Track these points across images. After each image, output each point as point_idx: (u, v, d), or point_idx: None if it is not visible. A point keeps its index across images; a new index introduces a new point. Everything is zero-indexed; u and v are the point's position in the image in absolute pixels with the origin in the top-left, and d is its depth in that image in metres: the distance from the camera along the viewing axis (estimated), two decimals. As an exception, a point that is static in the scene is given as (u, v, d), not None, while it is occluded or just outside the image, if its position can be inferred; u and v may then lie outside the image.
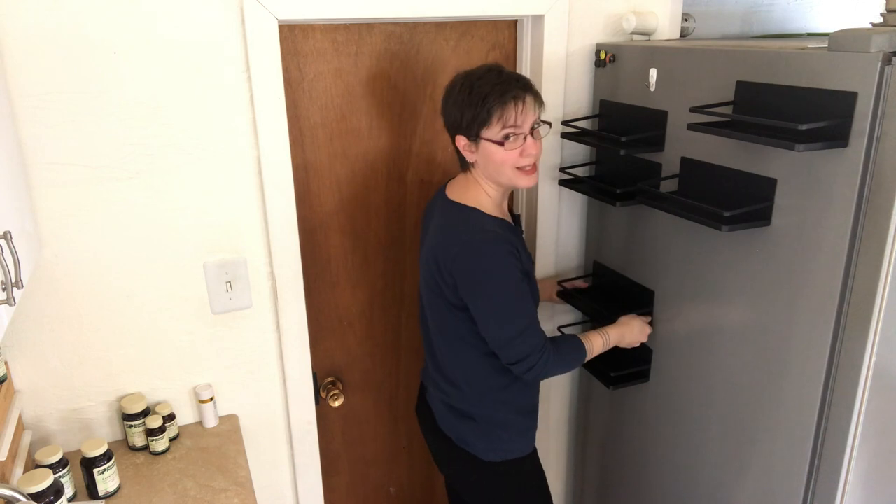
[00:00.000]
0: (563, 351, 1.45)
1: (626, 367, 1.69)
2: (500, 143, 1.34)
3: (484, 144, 1.35)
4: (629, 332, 1.57)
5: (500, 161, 1.35)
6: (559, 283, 1.84)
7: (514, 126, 1.33)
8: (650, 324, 1.61)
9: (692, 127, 1.28)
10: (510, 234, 1.40)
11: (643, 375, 1.67)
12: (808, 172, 1.17)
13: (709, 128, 1.26)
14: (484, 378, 1.48)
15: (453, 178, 1.52)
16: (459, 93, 1.34)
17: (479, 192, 1.43)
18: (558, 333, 1.74)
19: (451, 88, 1.37)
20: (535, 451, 1.58)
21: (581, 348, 1.47)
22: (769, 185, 1.25)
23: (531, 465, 1.57)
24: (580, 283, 1.86)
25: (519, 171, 1.37)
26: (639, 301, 1.65)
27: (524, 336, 1.36)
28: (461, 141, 1.38)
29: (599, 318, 1.70)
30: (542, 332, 1.40)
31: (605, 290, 1.81)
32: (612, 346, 1.55)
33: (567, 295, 1.81)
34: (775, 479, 1.35)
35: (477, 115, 1.32)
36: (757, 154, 1.26)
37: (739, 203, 1.28)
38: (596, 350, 1.51)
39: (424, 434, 1.69)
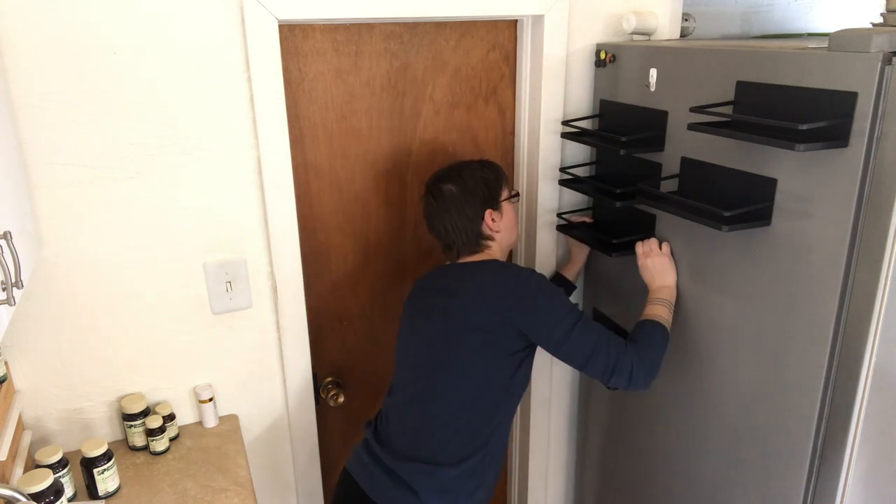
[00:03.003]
0: (648, 339, 1.41)
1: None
2: (515, 197, 1.57)
3: (504, 207, 1.54)
4: (659, 273, 1.51)
5: (514, 216, 1.57)
6: (559, 215, 1.85)
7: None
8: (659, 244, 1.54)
9: (692, 127, 1.28)
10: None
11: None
12: (808, 172, 1.17)
13: (709, 128, 1.25)
14: (472, 439, 1.44)
15: (437, 267, 1.57)
16: (472, 172, 1.51)
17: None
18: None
19: (462, 176, 1.50)
20: None
21: (657, 325, 1.43)
22: (769, 185, 1.25)
23: None
24: (582, 218, 1.82)
25: (516, 226, 1.59)
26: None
27: (603, 345, 1.37)
28: (488, 216, 1.50)
29: (602, 246, 1.65)
30: (618, 336, 1.41)
31: (606, 222, 1.77)
32: (671, 289, 1.51)
33: (568, 228, 1.80)
34: (775, 480, 1.35)
35: (496, 179, 1.53)
36: (757, 154, 1.26)
37: (739, 203, 1.28)
38: (669, 316, 1.48)
39: None
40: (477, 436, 1.44)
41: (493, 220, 1.51)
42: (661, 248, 1.52)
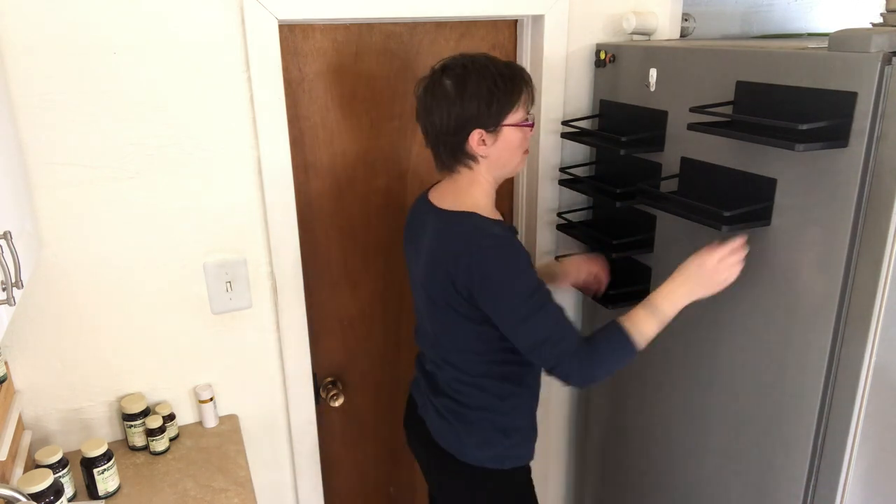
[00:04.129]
0: (603, 349, 1.27)
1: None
2: (527, 125, 1.32)
3: (505, 132, 1.30)
4: (706, 277, 1.28)
5: (518, 146, 1.33)
6: (559, 214, 1.81)
7: (531, 106, 1.35)
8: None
9: (692, 127, 1.28)
10: (514, 236, 1.34)
11: (640, 296, 1.45)
12: (808, 172, 1.17)
13: (709, 128, 1.26)
14: (494, 387, 1.42)
15: (433, 185, 1.46)
16: (480, 82, 1.26)
17: (478, 195, 1.35)
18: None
19: (459, 81, 1.27)
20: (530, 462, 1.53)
21: (624, 338, 1.27)
22: (769, 185, 1.25)
23: (528, 475, 1.53)
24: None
25: (524, 155, 1.37)
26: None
27: (552, 341, 1.25)
28: (476, 136, 1.28)
29: (602, 246, 1.58)
30: (575, 334, 1.27)
31: (606, 221, 1.70)
32: (685, 304, 1.30)
33: (568, 227, 1.76)
34: (775, 479, 1.35)
35: (507, 96, 1.27)
36: (757, 154, 1.26)
37: (739, 203, 1.28)
38: (652, 327, 1.29)
39: (414, 448, 1.63)
40: (497, 385, 1.42)
41: (482, 141, 1.29)
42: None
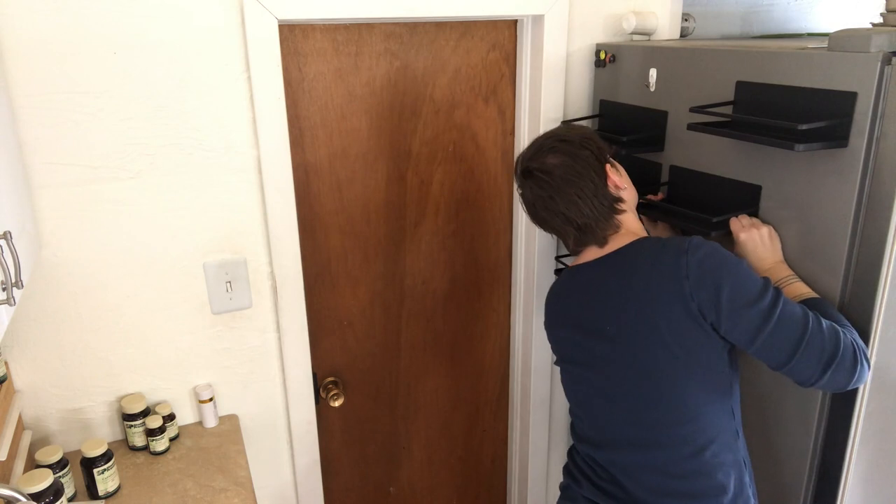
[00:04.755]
0: (837, 316, 1.13)
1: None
2: (618, 146, 1.32)
3: (618, 166, 1.30)
4: (770, 246, 1.25)
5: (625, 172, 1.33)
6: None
7: None
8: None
9: (692, 127, 1.28)
10: None
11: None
12: (807, 172, 1.17)
13: (708, 128, 1.26)
14: (732, 455, 1.21)
15: (572, 267, 1.32)
16: (567, 137, 1.27)
17: (636, 227, 1.29)
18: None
19: (563, 144, 1.25)
20: None
21: (826, 302, 1.16)
22: (755, 190, 1.25)
23: None
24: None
25: None
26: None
27: (815, 324, 1.08)
28: (610, 171, 1.25)
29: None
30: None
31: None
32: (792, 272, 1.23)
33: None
34: (775, 479, 1.35)
35: (591, 134, 1.29)
36: (756, 154, 1.26)
37: (729, 207, 1.29)
38: (810, 290, 1.19)
39: None
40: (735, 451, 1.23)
41: (616, 174, 1.27)
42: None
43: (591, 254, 1.29)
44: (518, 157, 1.31)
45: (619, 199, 1.26)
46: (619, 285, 1.20)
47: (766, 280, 1.12)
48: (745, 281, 1.10)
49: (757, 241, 1.24)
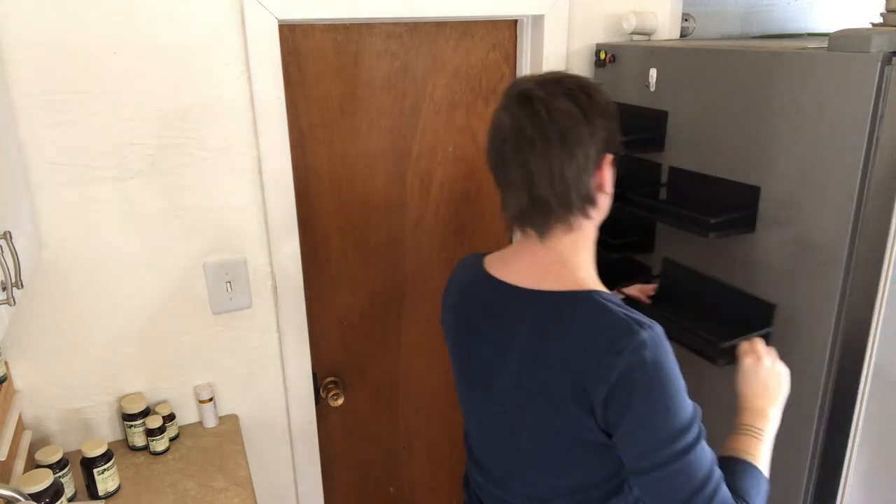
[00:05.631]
0: (753, 491, 0.95)
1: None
2: (622, 145, 1.02)
3: (612, 169, 1.00)
4: (774, 386, 1.10)
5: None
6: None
7: None
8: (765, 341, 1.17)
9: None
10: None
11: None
12: (807, 172, 1.17)
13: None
14: None
15: (483, 256, 1.11)
16: (598, 91, 0.98)
17: (588, 264, 1.01)
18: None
19: (589, 93, 0.96)
20: None
21: (763, 477, 0.98)
22: (755, 191, 1.25)
23: None
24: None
25: None
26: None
27: (709, 490, 0.89)
28: (608, 163, 0.97)
29: (603, 247, 1.34)
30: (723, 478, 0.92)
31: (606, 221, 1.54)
32: (771, 425, 1.07)
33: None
34: (775, 480, 1.35)
35: (616, 111, 1.00)
36: (755, 155, 1.26)
37: (727, 209, 1.29)
38: (769, 453, 1.03)
39: None
40: None
41: (609, 175, 0.98)
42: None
43: (515, 269, 1.03)
44: (520, 78, 1.00)
45: (592, 201, 0.98)
46: (532, 339, 0.97)
47: (693, 419, 0.91)
48: (667, 416, 0.89)
49: (759, 375, 1.08)
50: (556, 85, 0.94)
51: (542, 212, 0.97)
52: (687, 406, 0.91)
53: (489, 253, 1.12)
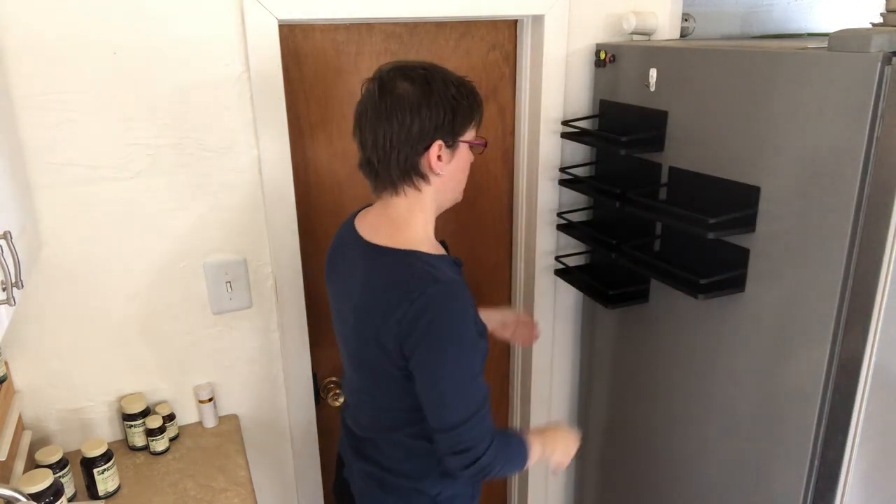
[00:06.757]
0: (511, 447, 1.20)
1: (623, 286, 1.65)
2: (481, 144, 1.19)
3: (461, 150, 1.16)
4: (562, 444, 1.32)
5: (467, 167, 1.20)
6: (559, 214, 1.80)
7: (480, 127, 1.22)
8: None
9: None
10: (460, 276, 1.17)
11: (641, 296, 1.58)
12: (807, 172, 1.17)
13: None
14: (424, 449, 1.23)
15: (359, 211, 1.29)
16: (445, 88, 1.11)
17: (418, 226, 1.18)
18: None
19: (423, 86, 1.11)
20: None
21: (525, 451, 1.22)
22: (754, 192, 1.25)
23: None
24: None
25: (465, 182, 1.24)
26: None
27: (476, 419, 1.11)
28: (435, 149, 1.12)
29: (603, 246, 1.60)
30: (492, 417, 1.16)
31: (606, 221, 1.73)
32: (543, 457, 1.30)
33: (567, 227, 1.80)
34: (775, 480, 1.35)
35: (469, 109, 1.14)
36: (755, 156, 1.26)
37: (726, 209, 1.29)
38: (534, 458, 1.25)
39: None
40: (427, 447, 1.23)
41: (439, 157, 1.12)
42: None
43: (370, 224, 1.22)
44: (392, 62, 1.18)
45: (422, 177, 1.14)
46: (363, 287, 1.17)
47: (472, 368, 1.11)
48: (444, 358, 1.10)
49: (557, 445, 1.31)
50: (405, 71, 1.13)
51: (371, 172, 1.17)
52: (467, 354, 1.10)
53: (369, 205, 1.29)
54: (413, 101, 1.10)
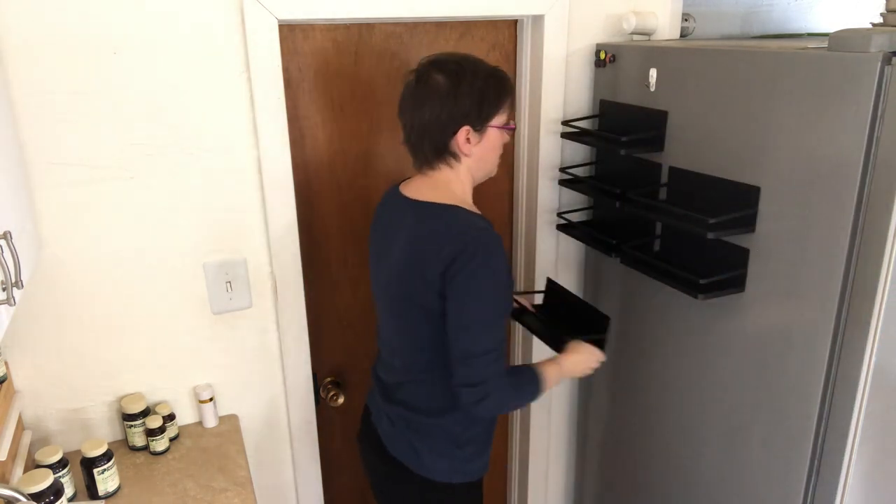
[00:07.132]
0: (521, 382, 1.32)
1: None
2: (510, 128, 1.35)
3: (490, 133, 1.31)
4: (583, 359, 1.44)
5: (499, 148, 1.35)
6: (558, 214, 1.82)
7: (513, 112, 1.36)
8: (602, 349, 1.48)
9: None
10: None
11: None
12: (807, 172, 1.17)
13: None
14: (449, 392, 1.32)
15: (403, 181, 1.42)
16: (473, 80, 1.26)
17: (458, 191, 1.34)
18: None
19: (454, 78, 1.26)
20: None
21: (536, 382, 1.33)
22: (755, 191, 1.25)
23: (479, 492, 1.48)
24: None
25: (499, 159, 1.39)
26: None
27: (493, 355, 1.24)
28: (463, 133, 1.28)
29: (603, 247, 1.64)
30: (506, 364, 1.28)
31: (606, 221, 1.71)
32: (565, 377, 1.43)
33: (567, 227, 1.79)
34: (775, 479, 1.35)
35: (496, 98, 1.29)
36: (755, 156, 1.26)
37: (726, 209, 1.29)
38: (550, 383, 1.36)
39: (367, 459, 1.53)
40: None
41: (467, 139, 1.29)
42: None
43: (415, 188, 1.36)
44: (433, 54, 1.33)
45: (453, 156, 1.31)
46: (411, 232, 1.31)
47: (497, 312, 1.26)
48: (479, 298, 1.24)
49: (579, 361, 1.44)
50: (440, 64, 1.29)
51: (411, 149, 1.34)
52: (499, 290, 1.25)
53: (406, 179, 1.43)
54: (443, 91, 1.26)
